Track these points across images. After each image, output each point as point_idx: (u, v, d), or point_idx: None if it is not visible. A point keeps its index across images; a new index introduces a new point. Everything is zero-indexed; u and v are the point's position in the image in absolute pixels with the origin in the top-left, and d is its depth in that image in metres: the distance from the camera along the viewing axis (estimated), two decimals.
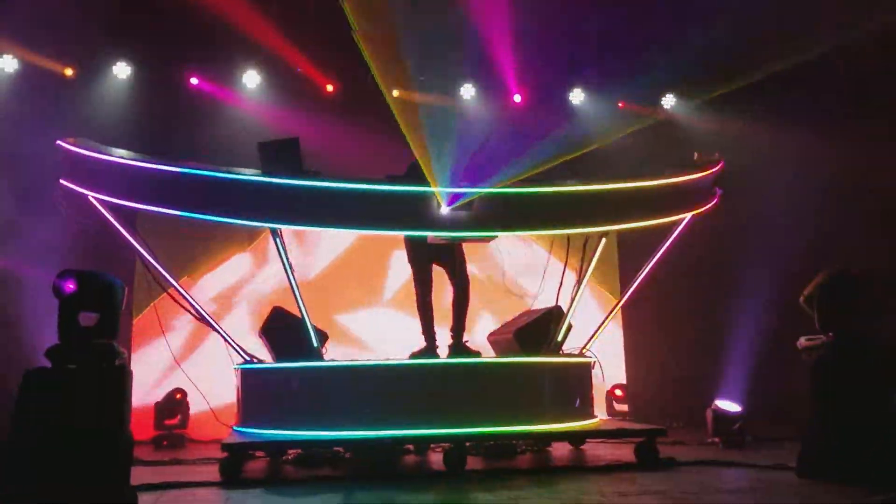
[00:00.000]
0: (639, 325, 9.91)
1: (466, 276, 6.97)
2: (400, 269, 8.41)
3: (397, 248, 8.10)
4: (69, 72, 9.13)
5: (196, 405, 8.00)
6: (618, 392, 9.31)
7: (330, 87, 9.86)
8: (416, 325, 6.97)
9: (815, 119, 8.94)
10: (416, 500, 4.70)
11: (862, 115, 9.10)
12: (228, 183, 6.10)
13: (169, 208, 6.04)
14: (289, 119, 9.02)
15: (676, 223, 7.04)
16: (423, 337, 6.87)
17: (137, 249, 6.37)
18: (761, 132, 9.22)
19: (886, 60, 8.82)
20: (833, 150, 8.68)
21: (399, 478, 5.70)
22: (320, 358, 6.32)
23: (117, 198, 6.05)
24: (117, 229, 6.20)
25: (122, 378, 4.39)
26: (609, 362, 7.69)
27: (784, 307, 6.75)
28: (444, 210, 6.26)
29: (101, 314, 4.48)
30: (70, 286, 4.40)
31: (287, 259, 6.34)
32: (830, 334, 5.44)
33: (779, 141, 9.11)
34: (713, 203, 7.19)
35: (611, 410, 9.23)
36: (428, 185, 6.31)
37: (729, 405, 7.57)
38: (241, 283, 9.37)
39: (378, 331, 9.23)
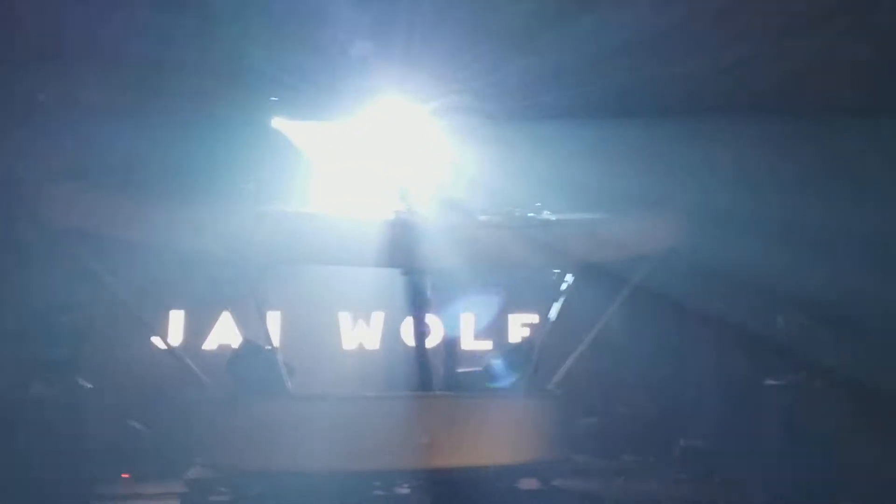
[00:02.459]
0: (608, 361, 9.92)
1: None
2: None
3: None
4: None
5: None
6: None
7: None
8: None
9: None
10: None
11: None
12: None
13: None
14: None
15: (642, 262, 7.08)
16: None
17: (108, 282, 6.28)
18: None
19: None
20: None
21: None
22: (286, 391, 6.25)
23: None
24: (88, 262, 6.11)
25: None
26: (582, 396, 7.69)
27: (754, 344, 6.80)
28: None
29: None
30: None
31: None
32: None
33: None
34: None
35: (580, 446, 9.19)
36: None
37: (697, 441, 7.59)
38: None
39: None
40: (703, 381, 8.27)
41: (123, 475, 7.70)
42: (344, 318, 9.37)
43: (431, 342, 7.08)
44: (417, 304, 6.90)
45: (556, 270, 7.05)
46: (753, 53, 6.91)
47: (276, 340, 6.70)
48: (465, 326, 8.94)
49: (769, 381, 5.77)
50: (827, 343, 5.65)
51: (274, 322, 8.41)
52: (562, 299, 7.07)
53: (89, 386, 4.72)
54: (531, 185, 7.41)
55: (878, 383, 5.49)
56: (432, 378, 6.90)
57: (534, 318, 7.61)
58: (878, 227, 6.75)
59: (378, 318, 9.35)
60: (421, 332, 7.04)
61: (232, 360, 6.61)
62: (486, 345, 8.69)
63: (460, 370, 7.49)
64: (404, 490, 6.47)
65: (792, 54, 6.88)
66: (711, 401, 8.03)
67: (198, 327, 9.08)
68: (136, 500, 6.36)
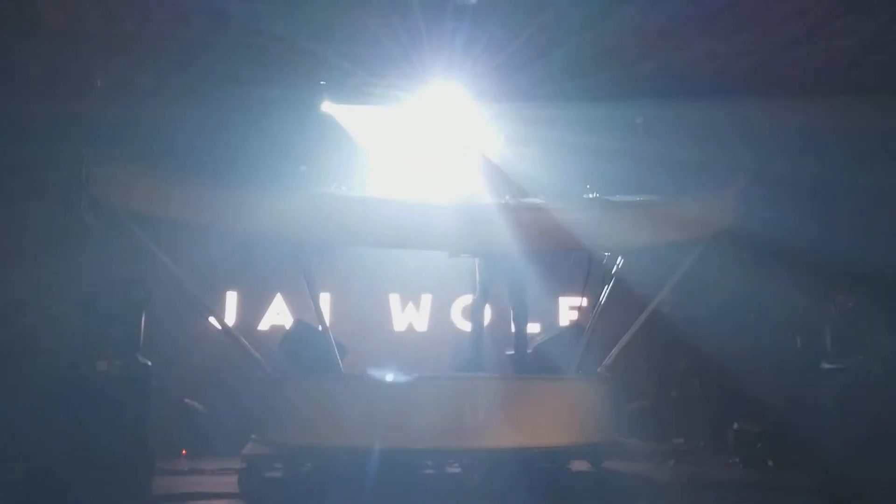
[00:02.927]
0: (659, 344, 9.84)
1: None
2: None
3: None
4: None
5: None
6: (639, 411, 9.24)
7: None
8: None
9: None
10: None
11: None
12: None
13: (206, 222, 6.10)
14: None
15: (695, 244, 6.99)
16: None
17: (167, 263, 6.43)
18: None
19: None
20: None
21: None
22: (340, 371, 6.35)
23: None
24: (147, 244, 6.25)
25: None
26: (633, 379, 7.65)
27: (810, 327, 6.67)
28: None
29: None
30: None
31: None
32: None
33: None
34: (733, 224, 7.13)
35: (632, 429, 9.15)
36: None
37: (751, 425, 7.51)
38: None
39: None
40: (756, 364, 8.15)
41: (182, 451, 7.94)
42: (394, 300, 9.47)
43: (481, 324, 7.12)
44: (466, 287, 6.96)
45: (606, 253, 7.00)
46: (809, 31, 6.74)
47: (327, 321, 6.78)
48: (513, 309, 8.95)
49: (825, 365, 5.66)
50: (885, 326, 5.53)
51: (325, 303, 8.56)
52: (612, 282, 7.02)
53: (149, 363, 4.86)
54: (581, 168, 7.38)
55: None
56: (482, 360, 6.95)
57: (584, 301, 7.56)
58: None
59: (427, 300, 9.43)
60: (473, 315, 7.10)
61: (285, 339, 6.74)
62: (535, 327, 8.69)
63: (509, 352, 7.52)
64: (455, 469, 6.54)
65: (849, 32, 6.69)
66: (765, 384, 7.92)
67: (252, 308, 9.27)
68: (195, 475, 6.54)
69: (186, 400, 8.29)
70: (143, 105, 8.24)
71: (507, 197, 6.69)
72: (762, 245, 8.25)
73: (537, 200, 6.60)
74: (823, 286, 6.27)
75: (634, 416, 9.27)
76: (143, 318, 4.72)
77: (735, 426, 7.52)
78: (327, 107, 8.10)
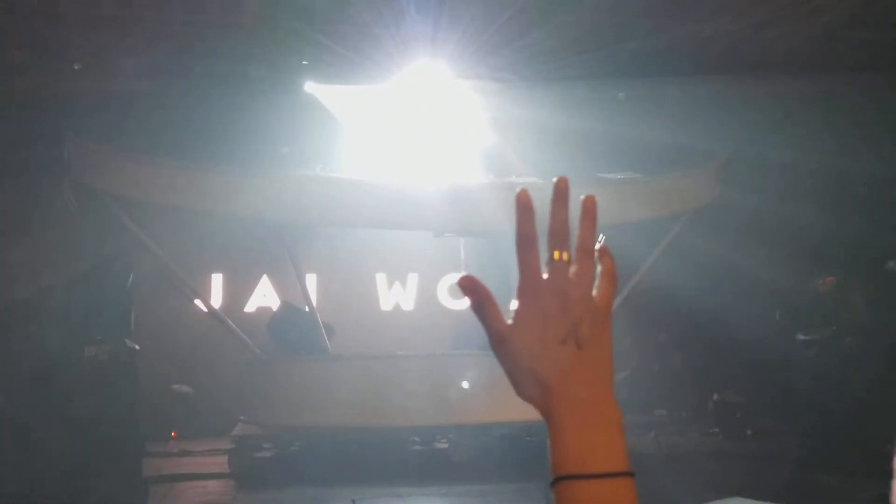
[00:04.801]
0: (641, 318, 9.98)
1: None
2: None
3: None
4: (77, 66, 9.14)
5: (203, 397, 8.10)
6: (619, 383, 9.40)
7: None
8: None
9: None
10: None
11: None
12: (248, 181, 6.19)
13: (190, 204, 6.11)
14: None
15: (675, 220, 7.09)
16: None
17: (151, 247, 6.44)
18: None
19: None
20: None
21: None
22: (328, 351, 6.42)
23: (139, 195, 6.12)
24: (130, 227, 6.27)
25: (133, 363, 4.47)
26: (615, 352, 7.74)
27: (786, 299, 6.81)
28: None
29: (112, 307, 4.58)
30: None
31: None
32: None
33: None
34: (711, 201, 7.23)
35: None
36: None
37: (730, 395, 7.66)
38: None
39: None
40: (734, 335, 8.30)
41: (172, 433, 8.00)
42: (380, 280, 9.52)
43: (465, 303, 7.19)
44: (451, 266, 7.01)
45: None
46: (783, 12, 6.79)
47: (314, 302, 6.85)
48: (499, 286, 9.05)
49: (800, 336, 5.80)
50: (858, 299, 5.65)
51: (312, 284, 8.60)
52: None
53: (137, 347, 4.90)
54: (562, 147, 7.42)
55: None
56: (467, 337, 7.03)
57: None
58: None
59: (413, 279, 9.51)
60: (454, 293, 7.18)
61: (272, 321, 6.79)
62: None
63: None
64: (442, 444, 6.65)
65: (822, 12, 6.74)
66: (743, 356, 8.08)
67: (238, 290, 9.29)
68: (186, 456, 6.60)
69: (175, 386, 8.33)
70: (124, 89, 8.17)
71: (490, 176, 6.75)
72: (741, 221, 8.39)
73: (519, 179, 6.66)
74: (800, 262, 6.39)
75: (617, 387, 9.44)
76: (131, 303, 4.73)
77: (715, 397, 7.67)
78: (310, 87, 8.06)
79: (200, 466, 5.80)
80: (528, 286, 0.86)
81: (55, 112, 8.40)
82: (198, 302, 6.86)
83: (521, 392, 0.86)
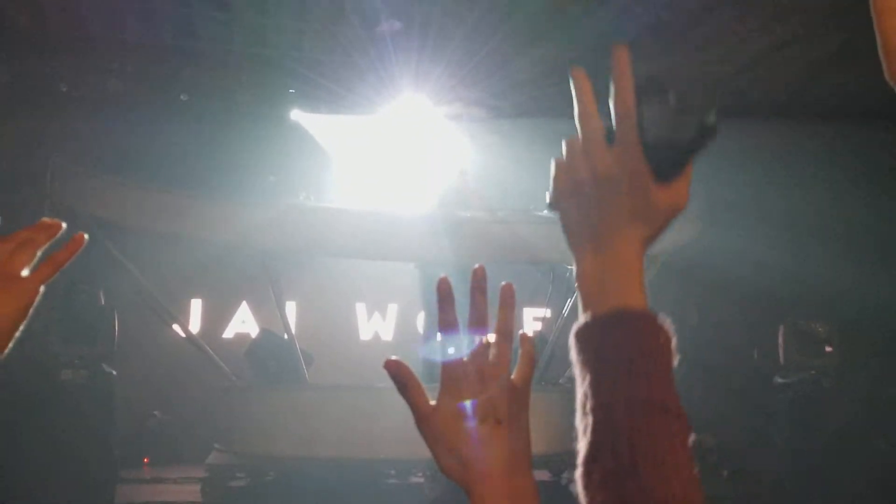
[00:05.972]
0: None
1: None
2: None
3: None
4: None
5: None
6: None
7: None
8: None
9: None
10: None
11: None
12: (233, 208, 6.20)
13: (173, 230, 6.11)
14: None
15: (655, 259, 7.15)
16: None
17: (131, 270, 6.42)
18: None
19: None
20: None
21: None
22: (305, 380, 6.39)
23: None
24: (111, 250, 6.25)
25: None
26: None
27: (765, 344, 6.86)
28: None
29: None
30: None
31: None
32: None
33: None
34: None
35: None
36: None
37: (706, 438, 7.67)
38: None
39: None
40: (711, 376, 8.36)
41: (145, 460, 7.90)
42: (360, 309, 9.52)
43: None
44: (431, 297, 6.99)
45: (569, 266, 7.13)
46: (769, 50, 6.94)
47: (293, 330, 6.83)
48: None
49: (778, 379, 5.86)
50: (835, 343, 5.73)
51: (291, 312, 8.58)
52: (575, 294, 7.15)
53: (114, 373, 4.86)
54: (546, 181, 7.49)
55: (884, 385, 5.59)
56: None
57: (546, 313, 7.71)
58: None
59: (393, 309, 9.50)
60: (434, 325, 7.16)
61: (251, 348, 6.76)
62: None
63: None
64: (418, 479, 6.60)
65: (811, 50, 6.90)
66: (720, 396, 8.12)
67: (217, 316, 9.24)
68: (158, 483, 6.52)
69: (156, 413, 8.24)
70: (110, 112, 8.18)
71: (470, 210, 6.79)
72: (719, 264, 8.48)
73: (503, 213, 6.72)
74: (777, 306, 6.47)
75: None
76: (113, 328, 4.71)
77: (691, 438, 7.67)
78: (296, 116, 8.13)
79: (173, 494, 5.73)
80: (450, 369, 0.95)
81: (38, 134, 8.40)
82: (176, 327, 6.81)
83: (442, 467, 0.93)
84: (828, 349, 5.61)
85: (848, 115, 7.07)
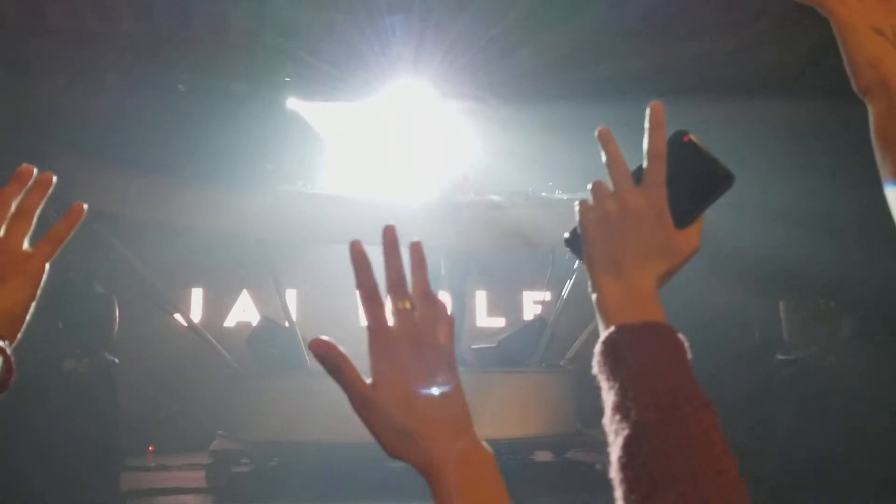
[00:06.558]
0: None
1: None
2: None
3: None
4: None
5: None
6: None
7: None
8: None
9: None
10: None
11: None
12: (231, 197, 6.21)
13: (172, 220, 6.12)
14: None
15: None
16: None
17: (132, 260, 6.44)
18: None
19: None
20: None
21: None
22: (307, 367, 6.41)
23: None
24: (111, 241, 6.26)
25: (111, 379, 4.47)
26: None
27: (768, 322, 6.86)
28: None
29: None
30: None
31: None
32: None
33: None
34: None
35: (592, 419, 9.36)
36: None
37: None
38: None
39: None
40: (713, 355, 8.37)
41: (150, 447, 7.94)
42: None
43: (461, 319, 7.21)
44: (432, 283, 7.01)
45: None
46: (759, 37, 6.93)
47: (294, 317, 6.86)
48: (479, 303, 9.10)
49: (780, 356, 5.87)
50: (837, 322, 5.74)
51: (292, 300, 8.60)
52: (574, 276, 7.18)
53: (116, 361, 4.89)
54: (543, 166, 7.50)
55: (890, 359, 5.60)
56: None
57: (546, 296, 7.73)
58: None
59: None
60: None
61: (252, 336, 6.78)
62: (500, 321, 8.84)
63: (474, 346, 7.65)
64: None
65: (801, 37, 6.89)
66: (721, 375, 8.13)
67: (218, 305, 9.27)
68: (163, 471, 6.56)
69: (155, 397, 8.27)
70: (107, 101, 8.17)
71: (472, 194, 6.81)
72: (721, 245, 8.46)
73: (502, 198, 6.73)
74: (780, 285, 6.47)
75: (595, 406, 9.48)
76: (113, 317, 4.73)
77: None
78: (293, 103, 8.11)
79: (178, 481, 5.77)
80: (380, 339, 0.86)
81: (38, 126, 8.38)
82: (177, 316, 6.84)
83: (392, 450, 0.86)
84: (831, 325, 5.62)
85: (839, 96, 7.05)
